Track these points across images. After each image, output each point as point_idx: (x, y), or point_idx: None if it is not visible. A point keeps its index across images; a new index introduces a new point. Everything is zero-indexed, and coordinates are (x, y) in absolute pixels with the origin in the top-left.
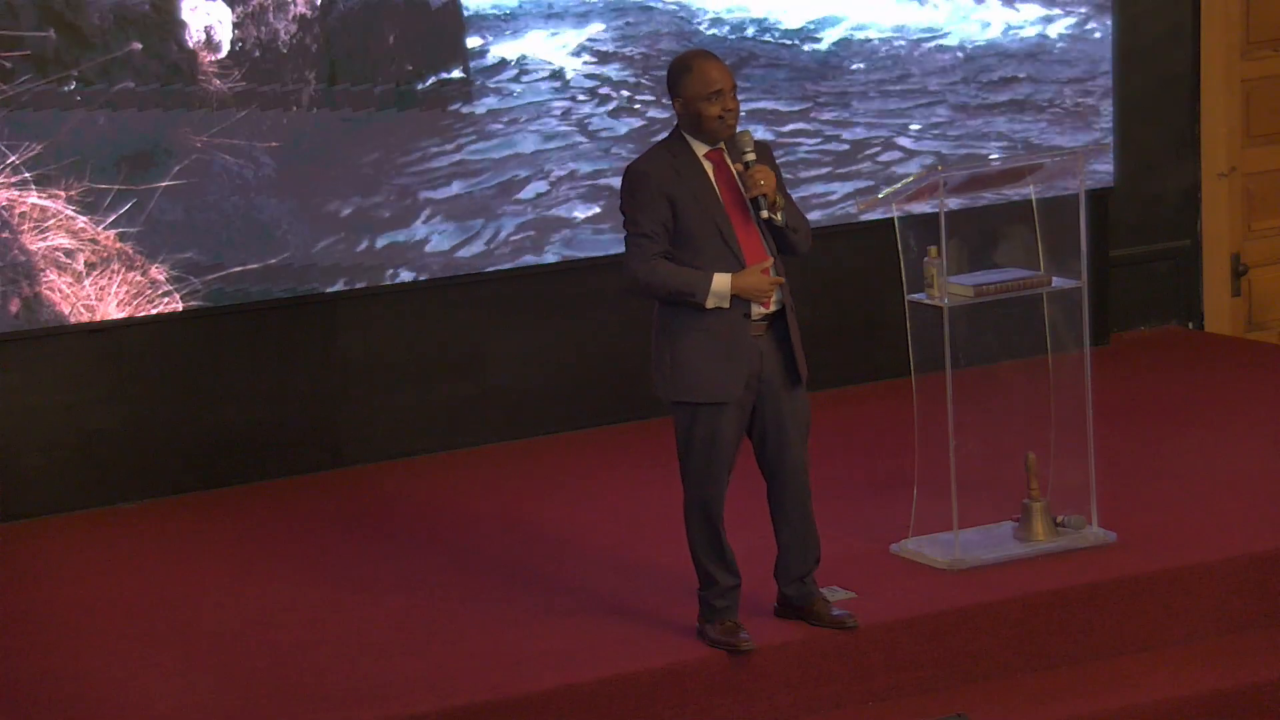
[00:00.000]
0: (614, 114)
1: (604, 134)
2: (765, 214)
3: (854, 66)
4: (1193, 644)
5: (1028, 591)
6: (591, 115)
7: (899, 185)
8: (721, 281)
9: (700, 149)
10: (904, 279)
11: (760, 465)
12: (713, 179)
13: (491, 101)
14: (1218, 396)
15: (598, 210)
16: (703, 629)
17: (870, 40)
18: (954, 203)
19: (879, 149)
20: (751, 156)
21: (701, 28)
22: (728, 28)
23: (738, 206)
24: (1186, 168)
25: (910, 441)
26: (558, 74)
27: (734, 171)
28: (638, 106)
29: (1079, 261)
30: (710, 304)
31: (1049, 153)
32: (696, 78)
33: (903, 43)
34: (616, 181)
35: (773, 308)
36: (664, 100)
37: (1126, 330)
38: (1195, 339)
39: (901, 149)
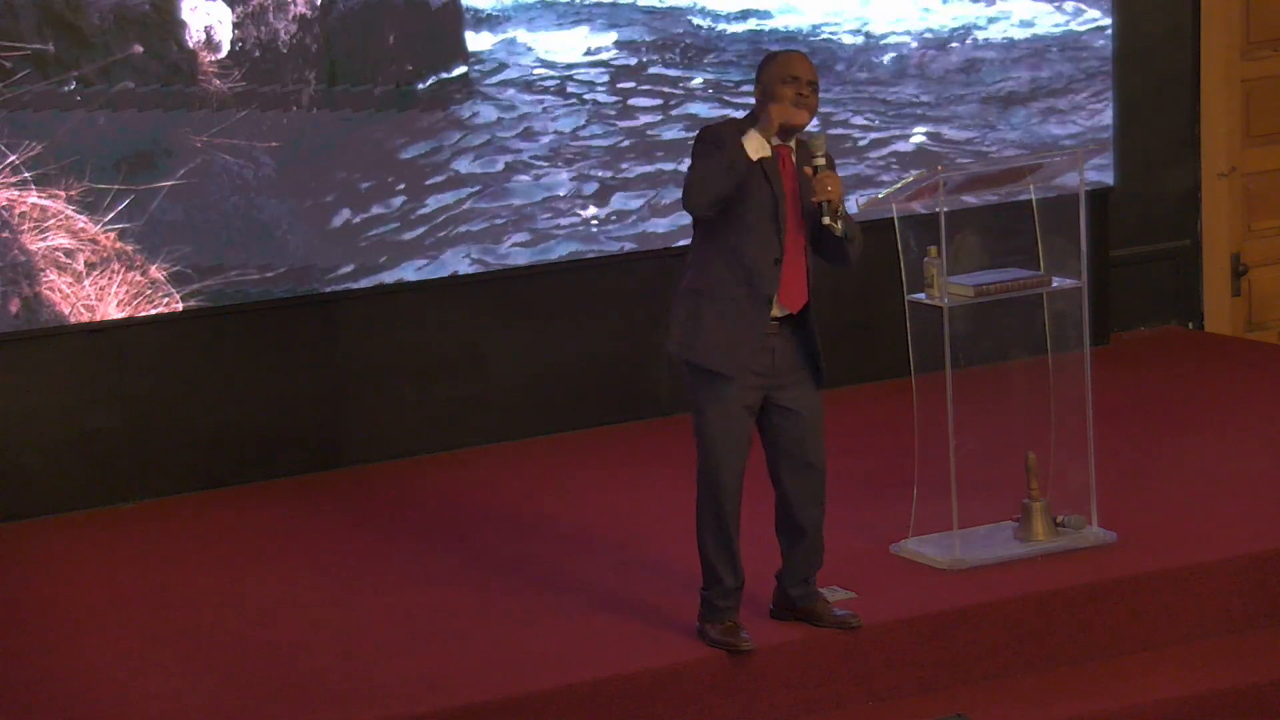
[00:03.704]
0: (615, 115)
1: (605, 135)
2: (827, 221)
3: (850, 63)
4: (1193, 644)
5: (1028, 591)
6: (592, 116)
7: (899, 185)
8: (750, 137)
9: (771, 137)
10: (904, 279)
11: (774, 467)
12: (780, 172)
13: (492, 101)
14: (1218, 396)
15: (599, 210)
16: (703, 629)
17: (867, 37)
18: (954, 203)
19: (877, 147)
20: (822, 161)
21: (707, 27)
22: (731, 27)
23: (794, 202)
24: (1186, 168)
25: (910, 441)
26: (559, 75)
27: (803, 173)
28: (638, 108)
29: (1079, 261)
30: (754, 154)
31: (1049, 152)
32: (780, 63)
33: (900, 40)
34: (617, 181)
35: (796, 311)
36: (665, 101)
37: (1126, 330)
38: (1195, 339)
39: (899, 147)
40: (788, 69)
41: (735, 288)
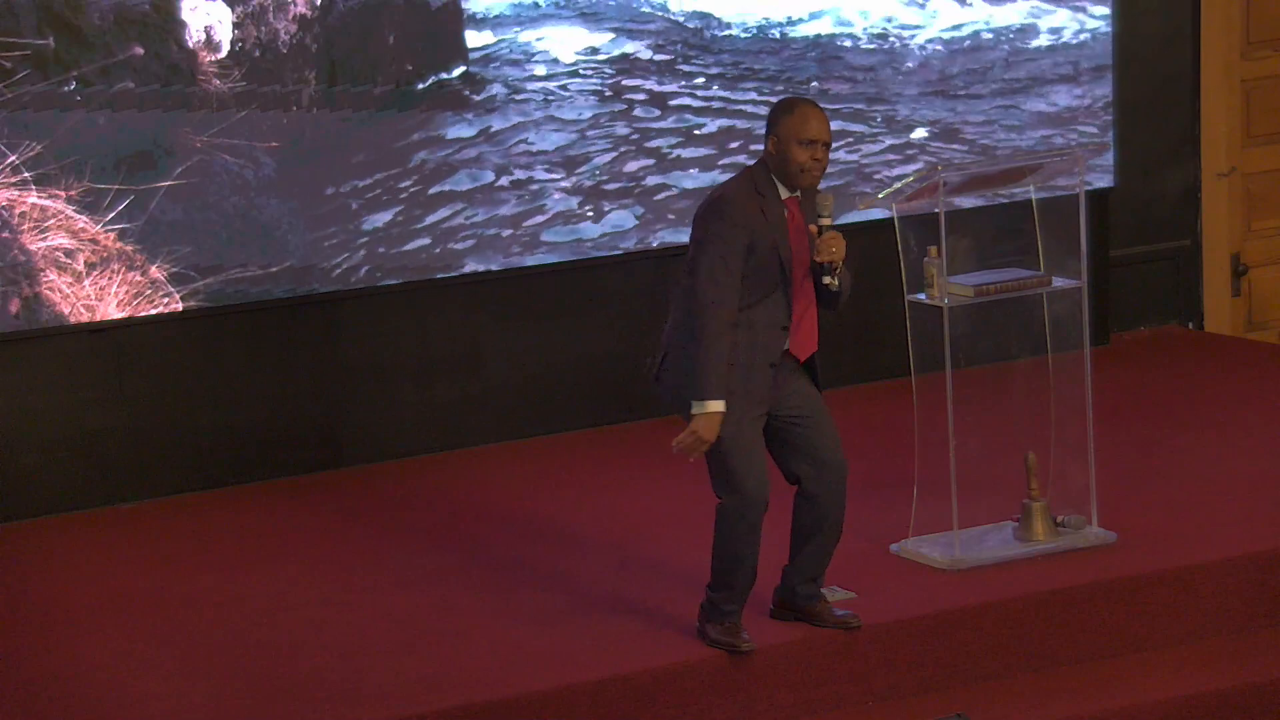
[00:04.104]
0: (616, 115)
1: (606, 136)
2: (827, 280)
3: (848, 64)
4: (1193, 644)
5: (1028, 591)
6: (593, 117)
7: (899, 185)
8: (714, 417)
9: (783, 193)
10: (904, 279)
11: (793, 469)
12: (788, 226)
13: (491, 102)
14: (1218, 396)
15: (599, 211)
16: (703, 628)
17: (866, 37)
18: (954, 203)
19: (876, 147)
20: (828, 221)
21: (709, 29)
22: (735, 30)
23: (801, 257)
24: (1186, 168)
25: (910, 441)
26: (559, 76)
27: (808, 229)
28: (639, 110)
29: (1079, 261)
30: (695, 410)
31: (1049, 153)
32: (797, 120)
33: (901, 40)
34: (618, 182)
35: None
36: (666, 103)
37: (1126, 330)
38: (1195, 339)
39: (900, 148)
40: (804, 131)
41: (742, 351)
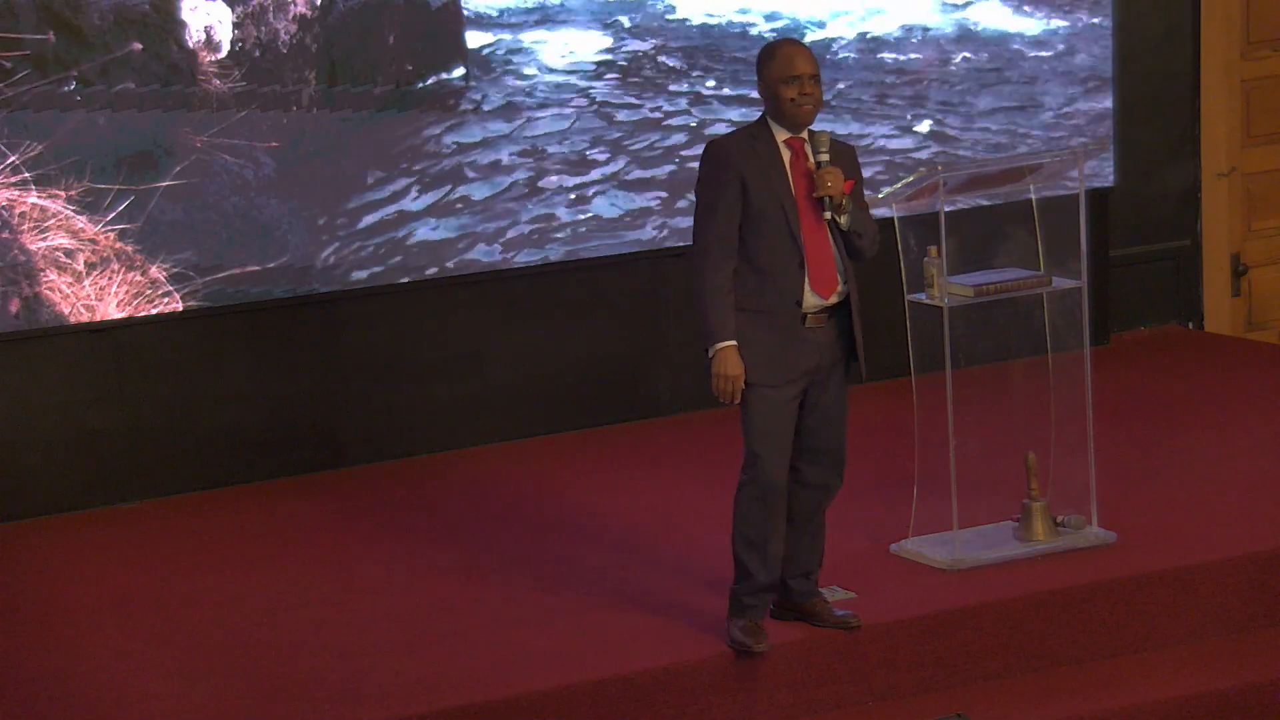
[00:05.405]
0: (617, 117)
1: (606, 137)
2: (828, 215)
3: (848, 65)
4: (1193, 644)
5: (1028, 591)
6: (593, 118)
7: (899, 185)
8: (724, 352)
9: (781, 134)
10: (904, 279)
11: (793, 455)
12: (788, 166)
13: (491, 102)
14: (1218, 396)
15: (599, 210)
16: (728, 623)
17: (865, 37)
18: (954, 203)
19: (876, 148)
20: (825, 157)
21: (713, 30)
22: (738, 29)
23: (810, 199)
24: (1186, 168)
25: (910, 441)
26: (558, 75)
27: (807, 166)
28: (640, 111)
29: (1079, 261)
30: (710, 353)
31: (1049, 152)
32: (779, 61)
33: (900, 41)
34: (617, 182)
35: (833, 299)
36: (667, 103)
37: (1126, 330)
38: (1195, 339)
39: (899, 148)
40: (786, 69)
41: (766, 297)
